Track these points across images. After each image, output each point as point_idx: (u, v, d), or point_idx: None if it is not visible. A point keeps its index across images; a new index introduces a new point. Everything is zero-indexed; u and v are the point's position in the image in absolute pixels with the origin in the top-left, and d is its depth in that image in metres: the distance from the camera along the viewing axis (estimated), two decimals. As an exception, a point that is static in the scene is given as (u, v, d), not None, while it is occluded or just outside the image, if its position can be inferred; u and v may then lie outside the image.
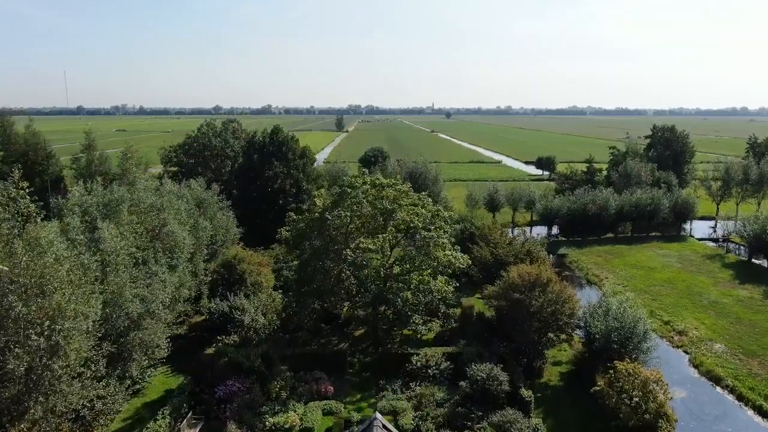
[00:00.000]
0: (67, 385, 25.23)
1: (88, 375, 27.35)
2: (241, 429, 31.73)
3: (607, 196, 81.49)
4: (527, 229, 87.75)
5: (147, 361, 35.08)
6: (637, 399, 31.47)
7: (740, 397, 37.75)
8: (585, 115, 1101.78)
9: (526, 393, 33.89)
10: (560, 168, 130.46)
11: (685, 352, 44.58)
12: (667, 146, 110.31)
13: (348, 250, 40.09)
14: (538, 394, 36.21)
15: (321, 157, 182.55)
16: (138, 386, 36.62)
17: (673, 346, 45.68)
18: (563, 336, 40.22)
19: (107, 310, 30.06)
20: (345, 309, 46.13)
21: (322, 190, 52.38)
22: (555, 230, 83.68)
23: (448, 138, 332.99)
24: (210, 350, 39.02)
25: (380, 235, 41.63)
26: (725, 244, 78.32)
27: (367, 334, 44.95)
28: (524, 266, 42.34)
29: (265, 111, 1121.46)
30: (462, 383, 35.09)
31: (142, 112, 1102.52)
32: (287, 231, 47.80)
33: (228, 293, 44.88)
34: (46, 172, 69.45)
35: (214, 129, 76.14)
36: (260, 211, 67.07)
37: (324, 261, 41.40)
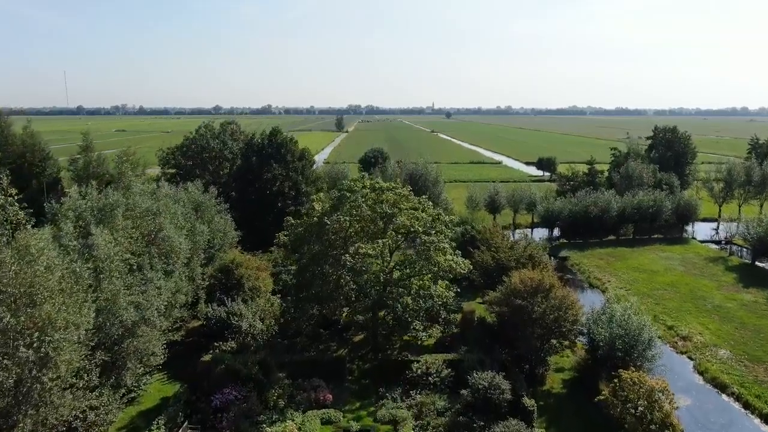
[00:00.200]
0: (58, 397, 24.54)
1: (81, 385, 26.68)
2: (237, 439, 31.08)
3: (609, 198, 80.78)
4: (528, 231, 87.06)
5: (142, 368, 34.43)
6: (642, 408, 30.81)
7: (746, 405, 37.04)
8: (585, 115, 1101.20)
9: (528, 402, 33.21)
10: (561, 169, 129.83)
11: (690, 358, 43.90)
12: (669, 147, 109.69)
13: (347, 255, 39.39)
14: (541, 402, 35.56)
15: (321, 157, 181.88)
16: (133, 394, 35.93)
17: (677, 352, 45.00)
18: (566, 342, 39.55)
19: (101, 319, 29.39)
20: (344, 314, 45.48)
21: (321, 193, 51.73)
22: (556, 232, 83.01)
23: (449, 138, 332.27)
24: (207, 357, 38.33)
25: (380, 240, 40.94)
26: (728, 247, 77.69)
27: (367, 340, 44.30)
28: (526, 271, 41.67)
29: (265, 111, 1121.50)
30: (463, 391, 34.41)
31: (142, 112, 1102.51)
32: (285, 236, 47.13)
33: (225, 298, 44.25)
34: (43, 174, 68.92)
35: (212, 131, 75.45)
36: (259, 213, 66.38)
37: (323, 266, 40.75)
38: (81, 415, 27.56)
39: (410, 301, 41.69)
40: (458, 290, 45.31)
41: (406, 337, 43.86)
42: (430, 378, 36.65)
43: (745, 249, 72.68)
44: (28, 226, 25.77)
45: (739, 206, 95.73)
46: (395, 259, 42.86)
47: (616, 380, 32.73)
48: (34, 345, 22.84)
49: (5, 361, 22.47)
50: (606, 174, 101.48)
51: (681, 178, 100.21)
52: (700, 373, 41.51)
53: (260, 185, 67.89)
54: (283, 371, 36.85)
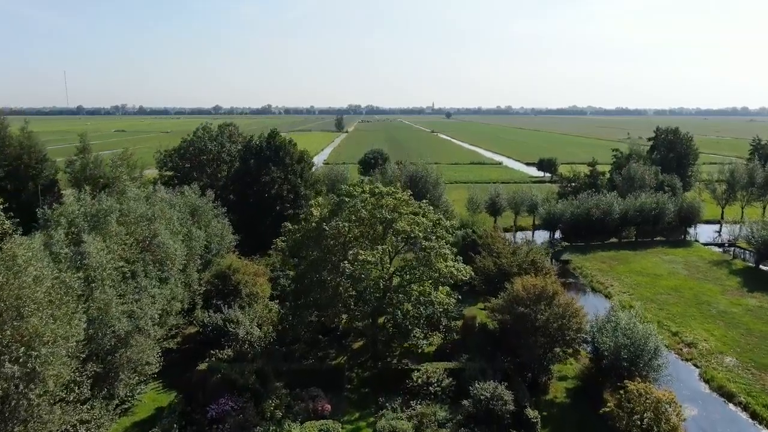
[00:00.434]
0: (46, 412, 23.72)
1: (71, 399, 25.84)
2: (233, 452, 30.26)
3: (611, 200, 79.90)
4: (530, 234, 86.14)
5: (137, 378, 33.60)
6: (648, 421, 30.03)
7: (754, 415, 36.21)
8: (585, 115, 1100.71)
9: (531, 413, 32.41)
10: (562, 170, 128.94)
11: (695, 365, 43.05)
12: (671, 148, 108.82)
13: (346, 262, 38.56)
14: (544, 412, 34.73)
15: (320, 158, 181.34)
16: (127, 404, 35.07)
17: (683, 359, 44.13)
18: (570, 351, 38.72)
19: (92, 329, 28.56)
20: (343, 321, 44.63)
21: (320, 198, 50.85)
22: (558, 235, 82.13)
23: (449, 138, 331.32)
24: (203, 366, 37.47)
25: (379, 246, 40.11)
26: (731, 249, 76.84)
27: (366, 347, 43.49)
28: (529, 278, 40.83)
29: (265, 111, 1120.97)
30: (465, 402, 33.60)
31: (141, 112, 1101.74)
32: (283, 242, 46.29)
33: (222, 305, 43.43)
34: (40, 176, 67.97)
35: (210, 133, 74.55)
36: (257, 217, 65.57)
37: (321, 273, 39.93)
38: (71, 429, 26.71)
39: (410, 308, 40.90)
40: (459, 296, 44.47)
41: (406, 345, 43.03)
42: (430, 387, 35.82)
43: (748, 252, 71.83)
44: (15, 235, 24.91)
45: (742, 208, 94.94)
46: (395, 264, 42.05)
47: (621, 392, 31.94)
48: (20, 360, 22.03)
49: (-9, 377, 21.67)
50: (607, 175, 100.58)
51: (683, 180, 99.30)
52: (706, 382, 40.67)
53: (258, 188, 67.05)
54: (280, 380, 36.01)
